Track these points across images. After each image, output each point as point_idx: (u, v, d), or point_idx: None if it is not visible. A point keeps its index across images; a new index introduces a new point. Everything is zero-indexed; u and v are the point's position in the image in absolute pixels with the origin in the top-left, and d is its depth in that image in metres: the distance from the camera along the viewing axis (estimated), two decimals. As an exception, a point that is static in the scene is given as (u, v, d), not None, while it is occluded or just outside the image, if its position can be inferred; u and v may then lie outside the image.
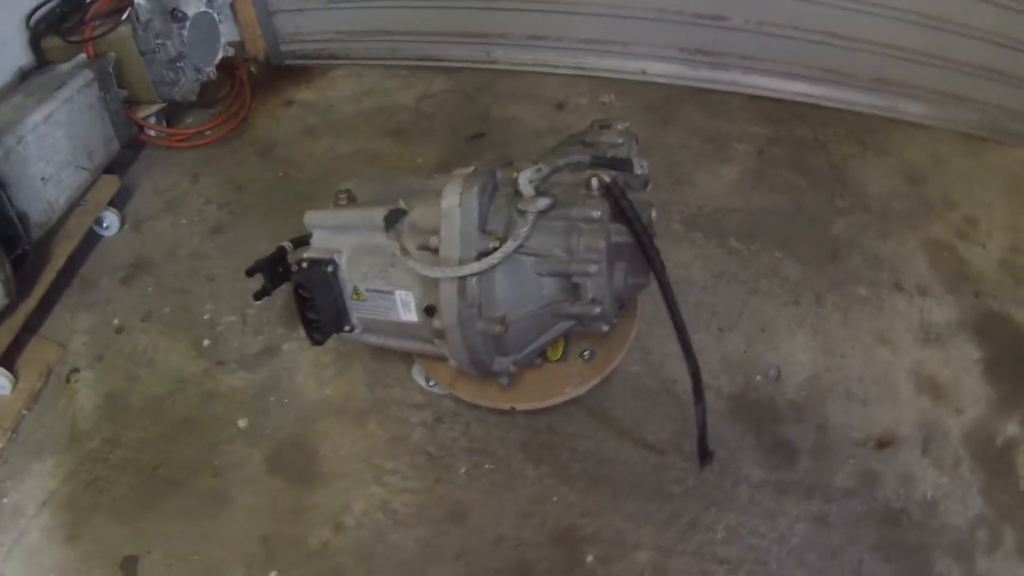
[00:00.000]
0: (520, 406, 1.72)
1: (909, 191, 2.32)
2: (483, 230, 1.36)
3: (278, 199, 2.49)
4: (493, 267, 1.33)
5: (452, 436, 1.85)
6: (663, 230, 2.19)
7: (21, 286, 2.06)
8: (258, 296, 1.74)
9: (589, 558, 1.64)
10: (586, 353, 1.71)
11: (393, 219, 1.42)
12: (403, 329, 1.57)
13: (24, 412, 2.00)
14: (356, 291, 1.56)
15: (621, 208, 1.33)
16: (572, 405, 1.85)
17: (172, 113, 2.72)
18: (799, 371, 1.93)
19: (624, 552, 1.66)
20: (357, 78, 2.91)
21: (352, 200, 1.61)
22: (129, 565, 1.73)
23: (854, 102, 2.44)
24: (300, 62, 2.95)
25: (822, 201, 2.30)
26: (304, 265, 1.56)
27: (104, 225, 2.40)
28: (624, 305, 1.54)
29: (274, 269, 1.75)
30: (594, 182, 1.35)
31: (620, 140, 1.58)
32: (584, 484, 1.75)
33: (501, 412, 1.83)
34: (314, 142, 2.66)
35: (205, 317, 2.14)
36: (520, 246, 1.35)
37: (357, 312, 1.60)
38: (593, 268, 1.35)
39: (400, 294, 1.49)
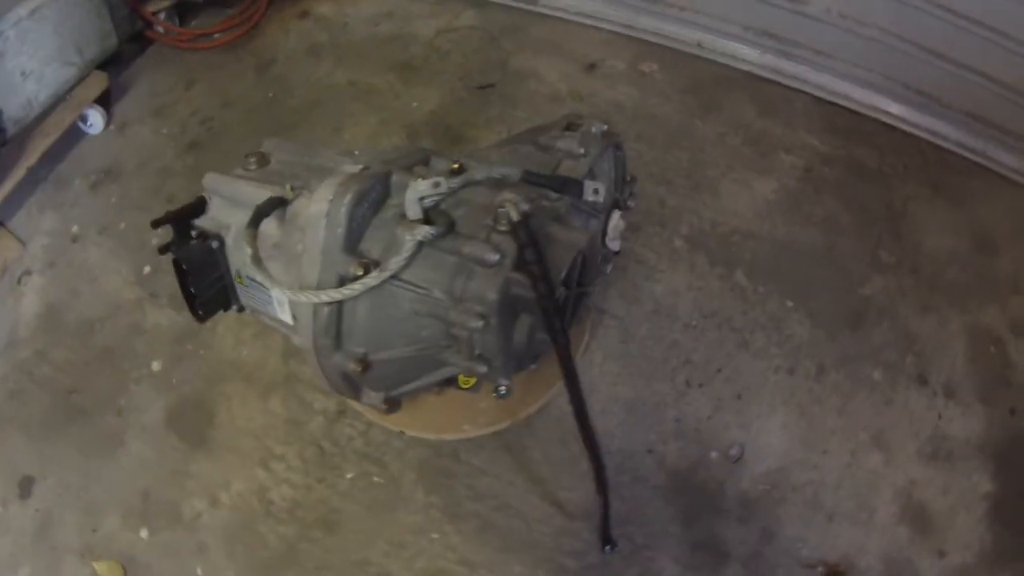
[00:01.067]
0: (410, 431, 1.54)
1: (973, 259, 1.85)
2: (350, 250, 1.11)
3: (259, 123, 2.28)
4: (354, 297, 1.13)
5: (349, 435, 1.68)
6: (663, 243, 1.89)
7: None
8: (162, 251, 1.60)
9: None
10: (501, 390, 1.50)
11: (264, 211, 1.21)
12: (285, 327, 1.40)
13: (-31, 305, 2.03)
14: (239, 275, 1.38)
15: (525, 257, 1.07)
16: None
17: (187, 11, 2.54)
18: (766, 458, 1.62)
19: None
20: None
21: (263, 165, 1.41)
22: (26, 485, 1.73)
23: (938, 133, 1.93)
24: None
25: (863, 248, 1.87)
26: (194, 235, 1.39)
27: (88, 123, 2.30)
28: (528, 365, 1.29)
29: (186, 222, 1.60)
30: (502, 213, 1.09)
31: (582, 150, 1.28)
32: (472, 528, 1.56)
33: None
34: (315, 64, 2.40)
35: (153, 242, 2.05)
36: (393, 277, 1.12)
37: (243, 296, 1.42)
38: (476, 323, 1.08)
39: (275, 293, 1.30)
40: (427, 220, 1.09)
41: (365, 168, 1.15)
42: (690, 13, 2.17)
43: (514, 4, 2.41)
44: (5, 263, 2.04)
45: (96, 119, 2.30)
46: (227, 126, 2.30)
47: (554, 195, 1.20)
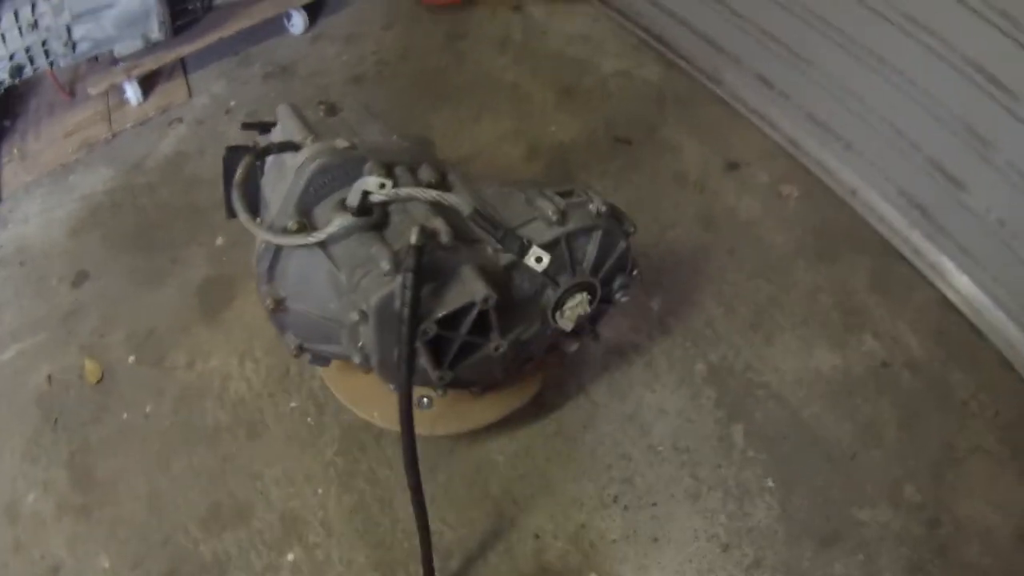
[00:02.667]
0: (355, 410, 1.66)
1: (1007, 550, 1.53)
2: (299, 209, 1.27)
3: (420, 84, 2.57)
4: (277, 248, 1.29)
5: (314, 374, 1.87)
6: (683, 360, 1.86)
7: (187, 35, 2.55)
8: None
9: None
10: (425, 400, 1.60)
11: (271, 149, 1.36)
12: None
13: (129, 127, 2.56)
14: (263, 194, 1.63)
15: (404, 284, 1.12)
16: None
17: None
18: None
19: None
20: (584, 19, 2.74)
21: (330, 114, 1.64)
22: (81, 277, 2.17)
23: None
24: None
25: (890, 472, 1.62)
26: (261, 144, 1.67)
27: (291, 23, 2.76)
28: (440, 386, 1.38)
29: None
30: (414, 231, 1.15)
31: (555, 218, 1.29)
32: (350, 502, 1.69)
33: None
34: (496, 55, 2.62)
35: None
36: (322, 247, 1.25)
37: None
38: (354, 316, 1.20)
39: (242, 217, 1.49)
40: (363, 211, 1.22)
41: (353, 148, 1.33)
42: (854, 154, 2.04)
43: (699, 76, 2.44)
44: (169, 104, 2.55)
45: (298, 22, 2.75)
46: (394, 75, 2.61)
47: (497, 244, 1.26)
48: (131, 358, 1.98)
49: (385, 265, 1.16)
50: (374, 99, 2.51)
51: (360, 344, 1.27)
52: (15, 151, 2.44)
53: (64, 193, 2.34)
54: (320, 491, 1.72)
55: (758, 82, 2.25)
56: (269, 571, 1.62)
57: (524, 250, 1.25)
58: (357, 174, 1.29)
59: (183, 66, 2.66)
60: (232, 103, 2.56)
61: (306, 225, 1.26)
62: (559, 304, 1.38)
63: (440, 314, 1.18)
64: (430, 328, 1.18)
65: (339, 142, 1.32)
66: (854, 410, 1.77)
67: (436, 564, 1.50)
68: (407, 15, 2.81)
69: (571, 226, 1.31)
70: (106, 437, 1.84)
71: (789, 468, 1.69)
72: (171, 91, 2.58)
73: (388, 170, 1.31)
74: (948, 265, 1.91)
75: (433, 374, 1.27)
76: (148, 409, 1.89)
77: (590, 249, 1.37)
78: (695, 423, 1.77)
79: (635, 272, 1.51)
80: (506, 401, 1.66)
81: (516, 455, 1.75)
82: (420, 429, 1.65)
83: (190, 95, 2.59)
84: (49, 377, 1.93)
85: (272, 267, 1.34)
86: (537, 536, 1.63)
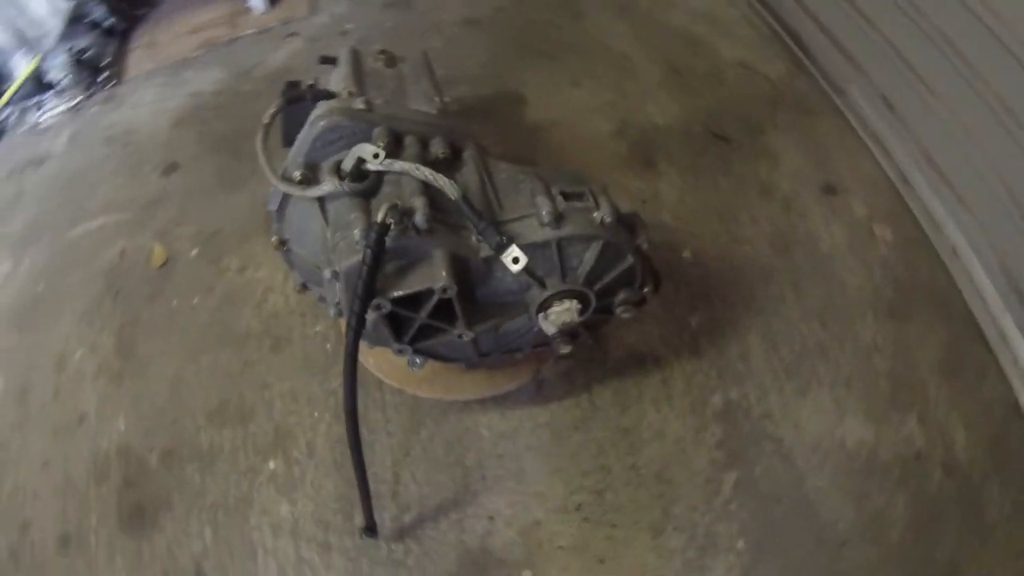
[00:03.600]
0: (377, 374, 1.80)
1: None
2: (307, 161, 1.34)
3: (528, 37, 2.56)
4: (282, 195, 1.38)
5: None
6: (700, 389, 1.79)
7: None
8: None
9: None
10: (418, 360, 1.66)
11: (300, 94, 1.45)
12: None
13: (249, 33, 2.73)
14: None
15: (363, 259, 1.18)
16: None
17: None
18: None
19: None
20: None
21: (389, 65, 1.67)
22: (171, 168, 2.41)
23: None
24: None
25: (882, 570, 1.56)
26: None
27: None
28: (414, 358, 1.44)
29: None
30: (383, 208, 1.19)
31: (548, 219, 1.27)
32: (337, 434, 1.80)
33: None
34: (613, 21, 2.56)
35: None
36: (320, 201, 1.32)
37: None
38: (327, 274, 1.28)
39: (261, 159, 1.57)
40: (358, 176, 1.26)
41: (369, 110, 1.36)
42: (965, 210, 1.80)
43: (823, 82, 2.23)
44: (290, 17, 2.71)
45: None
46: (507, 23, 2.59)
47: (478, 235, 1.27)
48: (194, 251, 2.20)
49: (357, 235, 1.21)
50: (479, 44, 2.52)
51: (336, 300, 1.36)
52: (145, 39, 2.71)
53: (177, 87, 2.58)
54: (316, 415, 1.86)
55: (881, 102, 2.03)
56: (250, 472, 1.80)
57: (502, 247, 1.25)
58: (365, 137, 1.34)
59: None
60: (349, 26, 2.67)
61: (309, 178, 1.34)
62: (544, 306, 1.39)
63: (395, 294, 1.22)
64: (384, 304, 1.23)
65: (357, 102, 1.36)
66: (865, 496, 1.64)
67: (392, 513, 1.64)
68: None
69: (565, 231, 1.29)
70: (154, 318, 2.07)
71: (768, 535, 1.61)
72: (294, 5, 2.74)
73: (396, 139, 1.35)
74: (1041, 362, 1.69)
75: (393, 346, 1.33)
76: (195, 301, 2.10)
77: (587, 257, 1.35)
78: (688, 457, 1.72)
79: (646, 288, 1.48)
80: (493, 383, 1.70)
81: (501, 434, 1.79)
82: (406, 386, 1.76)
83: (311, 11, 2.73)
84: (122, 252, 2.19)
85: (281, 209, 1.43)
86: (491, 518, 1.68)
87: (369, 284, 1.19)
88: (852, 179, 2.08)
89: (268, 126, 1.42)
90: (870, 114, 2.10)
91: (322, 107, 1.35)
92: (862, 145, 2.12)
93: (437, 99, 1.53)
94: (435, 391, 1.72)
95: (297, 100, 1.47)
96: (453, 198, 1.25)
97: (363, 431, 1.79)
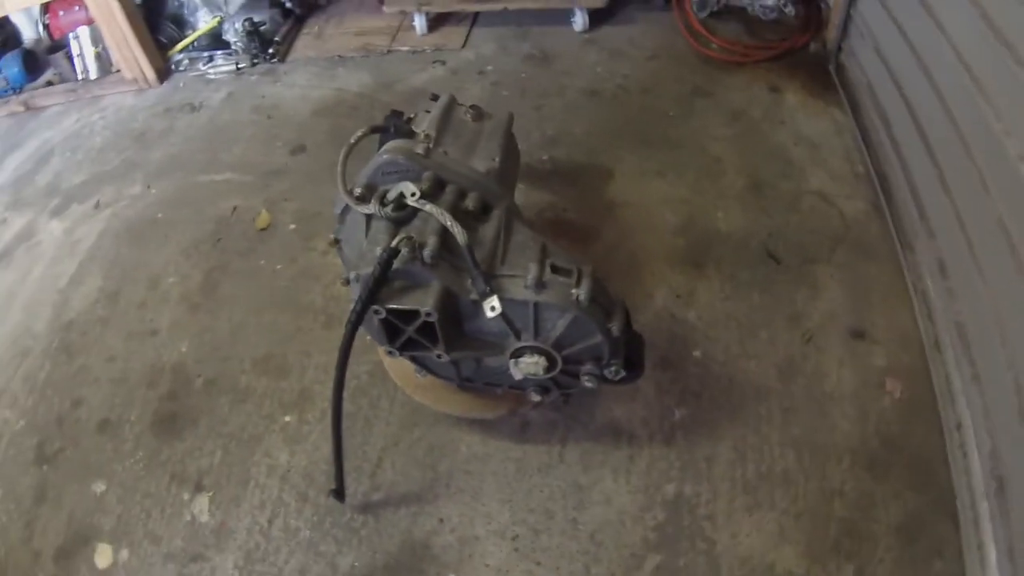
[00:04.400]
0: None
1: None
2: (369, 182, 1.69)
3: (641, 125, 2.82)
4: (344, 203, 1.71)
5: None
6: (656, 472, 1.99)
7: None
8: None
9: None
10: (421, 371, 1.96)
11: (382, 128, 1.87)
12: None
13: (404, 50, 3.18)
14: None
15: (373, 272, 1.50)
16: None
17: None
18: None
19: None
20: (829, 125, 2.74)
21: (475, 119, 1.98)
22: (298, 150, 2.90)
23: None
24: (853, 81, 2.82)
25: None
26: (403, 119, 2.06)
27: (573, 18, 3.17)
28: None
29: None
30: (397, 238, 1.51)
31: (531, 284, 1.52)
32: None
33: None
34: (722, 123, 2.75)
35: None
36: (368, 217, 1.67)
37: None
38: (352, 275, 1.60)
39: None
40: (397, 207, 1.58)
41: (426, 155, 1.69)
42: (977, 389, 1.86)
43: (894, 233, 2.32)
44: (443, 45, 3.15)
45: (580, 20, 3.17)
46: (625, 104, 2.88)
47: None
48: (292, 225, 2.64)
49: (378, 252, 1.54)
50: (592, 114, 2.83)
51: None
52: (315, 28, 3.23)
53: (328, 79, 3.07)
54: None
55: (936, 265, 2.12)
56: (268, 418, 2.18)
57: (485, 295, 1.53)
58: (415, 177, 1.67)
59: (473, 19, 3.22)
60: (489, 68, 3.07)
61: (365, 196, 1.68)
62: (516, 353, 1.65)
63: (390, 306, 1.53)
64: (380, 311, 1.55)
65: (420, 147, 1.70)
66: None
67: (365, 489, 1.99)
68: (675, 55, 3.04)
69: (542, 297, 1.55)
70: (241, 270, 2.53)
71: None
72: (450, 35, 3.17)
73: (440, 185, 1.67)
74: (992, 559, 1.73)
75: (382, 346, 1.65)
76: (278, 267, 2.53)
77: (559, 324, 1.60)
78: (625, 529, 1.90)
79: (612, 368, 1.70)
80: (474, 406, 1.98)
81: (476, 455, 2.05)
82: (405, 387, 2.07)
83: (463, 45, 3.15)
84: (235, 208, 2.68)
85: (342, 214, 1.79)
86: (441, 520, 1.94)
87: (373, 292, 1.52)
88: (885, 329, 2.18)
89: (352, 146, 1.79)
90: (925, 273, 2.19)
91: (392, 144, 1.70)
92: (907, 301, 2.21)
93: (495, 160, 1.84)
94: (426, 398, 2.02)
95: (382, 131, 1.84)
96: (461, 244, 1.55)
97: (368, 413, 2.15)
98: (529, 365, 1.65)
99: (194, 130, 2.99)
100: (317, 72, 3.13)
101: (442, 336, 1.59)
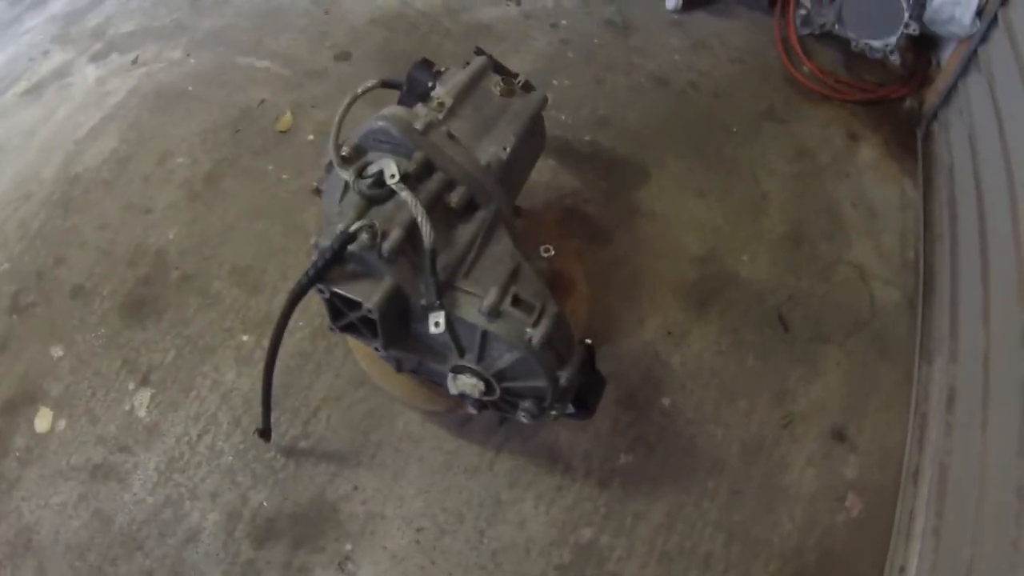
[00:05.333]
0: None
1: None
2: (358, 145, 1.60)
3: (699, 132, 2.63)
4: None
5: None
6: (579, 512, 1.97)
7: None
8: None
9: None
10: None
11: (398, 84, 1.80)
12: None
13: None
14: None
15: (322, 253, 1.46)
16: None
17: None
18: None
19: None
20: (895, 192, 2.52)
21: (504, 94, 1.82)
22: (342, 57, 2.79)
23: None
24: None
25: None
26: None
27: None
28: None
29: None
30: (357, 223, 1.45)
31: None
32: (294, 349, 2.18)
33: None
34: (782, 157, 2.55)
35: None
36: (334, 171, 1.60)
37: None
38: (312, 239, 1.54)
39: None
40: (375, 183, 1.50)
41: (423, 132, 1.59)
42: (936, 537, 1.77)
43: (918, 341, 2.15)
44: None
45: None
46: (690, 103, 2.69)
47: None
48: (311, 136, 2.58)
49: (338, 228, 1.48)
50: (653, 105, 2.64)
51: (311, 263, 1.65)
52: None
53: (397, -4, 2.94)
54: (301, 324, 2.20)
55: (947, 393, 1.98)
56: (226, 333, 2.19)
57: (432, 308, 1.47)
58: (406, 153, 1.58)
59: None
60: (563, 22, 2.88)
61: (351, 159, 1.60)
62: (456, 369, 1.60)
63: (335, 289, 1.49)
64: (325, 291, 1.50)
65: (420, 121, 1.60)
66: None
67: (294, 434, 2.03)
68: (760, 65, 2.79)
69: (493, 327, 1.48)
70: (248, 168, 2.49)
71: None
72: None
73: (428, 169, 1.57)
74: None
75: (328, 320, 1.61)
76: (284, 176, 2.49)
77: (505, 357, 1.53)
78: (529, 558, 1.89)
79: (553, 412, 1.64)
80: (414, 394, 1.95)
81: (410, 436, 2.04)
82: (356, 352, 2.05)
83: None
84: (262, 101, 2.62)
85: (329, 166, 1.72)
86: (356, 488, 1.97)
87: (320, 271, 1.47)
88: (869, 439, 2.05)
89: (358, 96, 1.71)
90: (932, 396, 2.04)
91: (392, 111, 1.60)
92: (903, 417, 2.07)
93: (505, 150, 1.73)
94: (371, 370, 2.00)
95: (393, 87, 1.74)
96: (424, 246, 1.47)
97: (321, 359, 2.14)
98: (466, 385, 1.60)
99: (249, 6, 2.90)
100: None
101: (382, 333, 1.54)
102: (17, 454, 2.01)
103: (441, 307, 1.47)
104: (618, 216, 2.39)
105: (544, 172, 2.45)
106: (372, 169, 1.53)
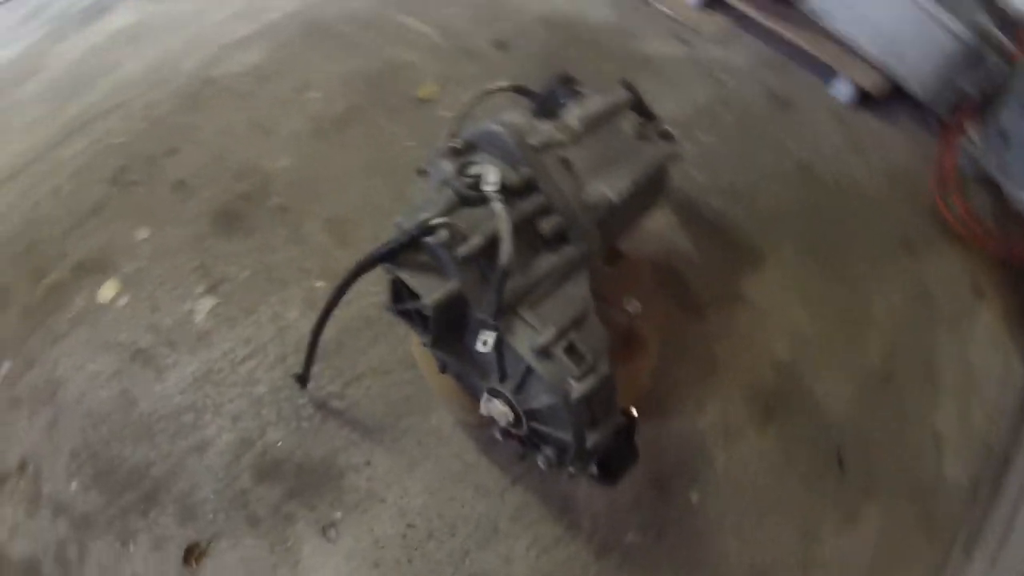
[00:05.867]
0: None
1: None
2: (468, 140, 1.62)
3: (825, 231, 2.52)
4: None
5: None
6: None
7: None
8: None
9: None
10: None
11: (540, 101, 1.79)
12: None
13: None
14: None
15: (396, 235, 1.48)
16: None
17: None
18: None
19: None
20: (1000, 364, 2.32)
21: (638, 136, 1.78)
22: (500, 46, 2.81)
23: None
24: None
25: None
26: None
27: (836, 83, 2.79)
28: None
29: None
30: (442, 220, 1.45)
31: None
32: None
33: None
34: (909, 308, 2.40)
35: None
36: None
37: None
38: (398, 218, 1.55)
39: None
40: (471, 185, 1.49)
41: (538, 149, 1.57)
42: None
43: (976, 529, 1.97)
44: (697, 24, 2.87)
45: (844, 90, 2.77)
46: (836, 197, 2.56)
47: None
48: (446, 113, 2.61)
49: (423, 216, 1.48)
50: (791, 195, 2.52)
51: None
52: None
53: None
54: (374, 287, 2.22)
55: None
56: (303, 273, 2.25)
57: (486, 325, 1.45)
58: (512, 162, 1.56)
59: (744, 20, 2.88)
60: (724, 76, 2.80)
61: (459, 151, 1.61)
62: (491, 391, 1.58)
63: (400, 274, 1.49)
64: (391, 271, 1.51)
65: (536, 138, 1.58)
66: None
67: (329, 391, 2.07)
68: (908, 185, 2.62)
69: (537, 365, 1.44)
70: (377, 124, 2.56)
71: None
72: (714, 22, 2.94)
73: (529, 187, 1.55)
74: None
75: (387, 304, 1.63)
76: (410, 144, 2.53)
77: (541, 399, 1.50)
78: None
79: (571, 467, 1.59)
80: (454, 399, 1.93)
81: (438, 433, 2.03)
82: (415, 347, 2.05)
83: (719, 39, 2.87)
84: (411, 64, 2.66)
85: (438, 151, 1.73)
86: (368, 464, 1.98)
87: (393, 251, 1.48)
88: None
89: (486, 94, 1.71)
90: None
91: (513, 119, 1.59)
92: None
93: (618, 196, 1.67)
94: (421, 360, 2.01)
95: (525, 94, 1.73)
96: (500, 263, 1.45)
97: (384, 330, 2.17)
98: (497, 410, 1.58)
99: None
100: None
101: (434, 331, 1.54)
102: (72, 313, 2.15)
103: (495, 328, 1.46)
104: (717, 293, 2.30)
105: (661, 224, 2.39)
106: (474, 170, 1.52)
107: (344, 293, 1.67)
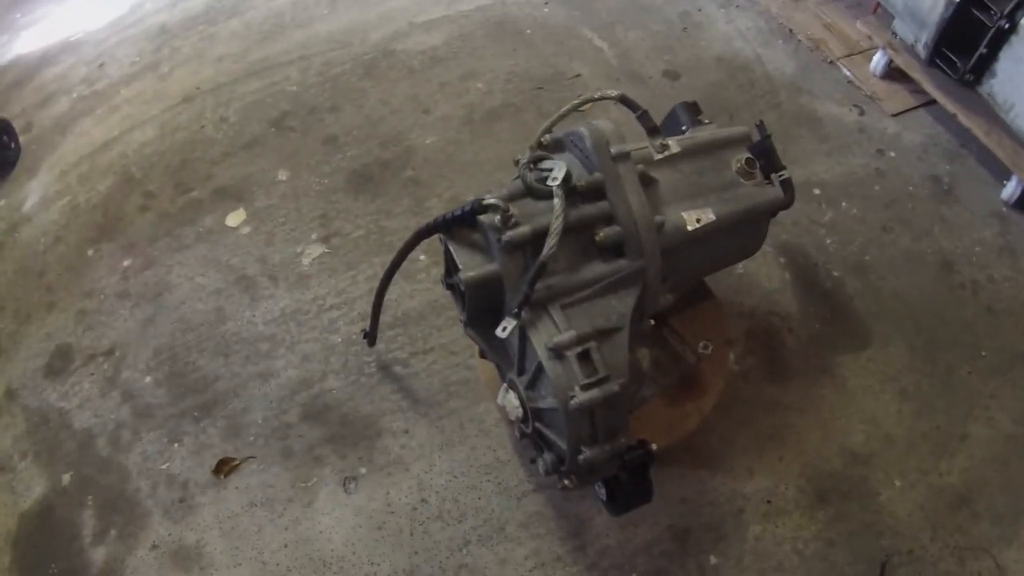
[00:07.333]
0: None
1: None
2: (557, 138, 1.72)
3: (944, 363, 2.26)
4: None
5: None
6: None
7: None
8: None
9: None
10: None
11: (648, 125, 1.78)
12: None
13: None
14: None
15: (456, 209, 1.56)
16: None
17: None
18: None
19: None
20: None
21: (745, 175, 1.74)
22: (673, 76, 2.85)
23: None
24: None
25: None
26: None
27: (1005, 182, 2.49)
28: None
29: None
30: (499, 201, 1.51)
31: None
32: None
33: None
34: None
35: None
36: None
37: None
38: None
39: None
40: (540, 178, 1.56)
41: (615, 161, 1.59)
42: None
43: None
44: (876, 96, 2.74)
45: (1013, 189, 2.48)
46: (972, 327, 2.29)
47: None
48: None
49: (487, 197, 1.57)
50: (919, 286, 2.33)
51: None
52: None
53: (761, 38, 2.90)
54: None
55: None
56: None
57: (511, 312, 1.49)
58: (589, 166, 1.61)
59: (927, 101, 2.69)
60: (892, 154, 2.62)
61: (546, 147, 1.70)
62: (510, 384, 1.63)
63: (449, 244, 1.60)
64: (443, 240, 1.62)
65: (621, 149, 1.60)
66: None
67: (396, 356, 2.26)
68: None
69: (547, 365, 1.46)
70: (529, 124, 2.69)
71: None
72: (895, 96, 2.73)
73: (597, 194, 1.59)
74: None
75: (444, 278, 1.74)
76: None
77: (547, 400, 1.51)
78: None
79: (566, 480, 1.59)
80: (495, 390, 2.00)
81: (479, 422, 2.14)
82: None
83: (896, 114, 2.71)
84: (578, 75, 2.79)
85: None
86: (407, 432, 2.14)
87: (447, 222, 1.59)
88: None
89: (588, 101, 1.80)
90: None
91: (602, 125, 1.64)
92: None
93: (696, 224, 1.65)
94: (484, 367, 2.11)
95: (631, 107, 1.78)
96: (540, 256, 1.50)
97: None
98: (510, 403, 1.62)
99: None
100: (765, 24, 2.94)
101: (468, 308, 1.63)
102: (200, 229, 2.50)
103: (517, 316, 1.51)
104: (808, 365, 2.17)
105: (772, 280, 2.31)
106: (545, 164, 1.59)
107: (405, 257, 1.81)
